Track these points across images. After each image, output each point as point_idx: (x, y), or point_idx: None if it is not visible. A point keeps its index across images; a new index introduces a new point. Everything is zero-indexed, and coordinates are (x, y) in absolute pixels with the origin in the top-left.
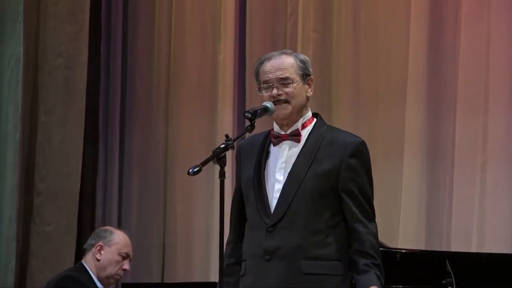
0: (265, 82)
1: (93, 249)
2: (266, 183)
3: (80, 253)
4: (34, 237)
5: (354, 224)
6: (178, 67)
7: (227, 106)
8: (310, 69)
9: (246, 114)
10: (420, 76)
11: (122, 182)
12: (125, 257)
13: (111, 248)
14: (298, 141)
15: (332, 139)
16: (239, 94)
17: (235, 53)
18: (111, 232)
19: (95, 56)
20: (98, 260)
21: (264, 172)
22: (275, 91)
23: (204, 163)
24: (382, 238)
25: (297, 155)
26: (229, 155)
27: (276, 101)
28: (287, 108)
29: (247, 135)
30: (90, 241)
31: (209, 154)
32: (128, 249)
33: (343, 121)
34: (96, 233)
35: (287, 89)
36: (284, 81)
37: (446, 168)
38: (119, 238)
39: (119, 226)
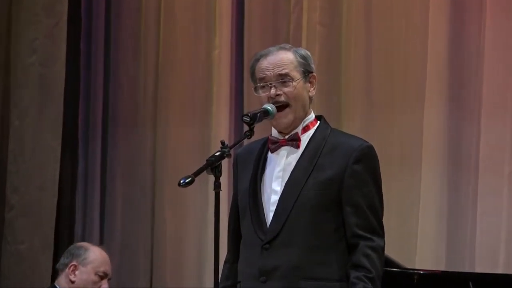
0: (262, 80)
1: (67, 270)
2: (262, 194)
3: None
4: (6, 256)
5: (355, 240)
6: (168, 65)
7: (222, 108)
8: (312, 65)
9: (245, 118)
10: (441, 75)
11: (104, 195)
12: (102, 276)
13: (86, 268)
14: (298, 146)
15: (335, 144)
16: (236, 95)
17: (232, 48)
18: (85, 249)
19: (74, 52)
20: (72, 282)
21: (260, 182)
22: (273, 90)
23: (197, 173)
24: (397, 257)
25: (296, 162)
26: (225, 164)
27: (275, 102)
28: (288, 117)
29: (246, 141)
30: (63, 260)
31: (202, 163)
32: (106, 268)
33: (354, 125)
34: (69, 251)
35: (286, 89)
36: (283, 79)
37: (469, 178)
38: (95, 256)
39: (102, 244)
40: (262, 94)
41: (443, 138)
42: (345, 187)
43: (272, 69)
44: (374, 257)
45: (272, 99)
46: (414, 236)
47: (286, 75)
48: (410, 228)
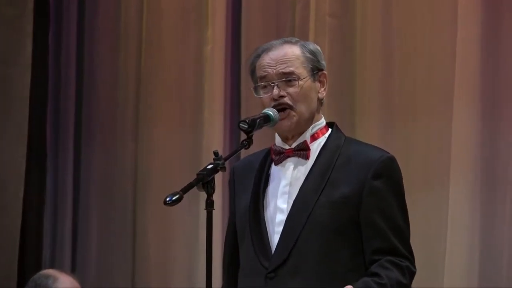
0: (263, 79)
1: None
2: (265, 213)
3: None
4: None
5: (375, 267)
6: (152, 62)
7: (216, 113)
8: (323, 62)
9: (242, 124)
10: (472, 75)
11: (77, 215)
12: None
13: None
14: (307, 157)
15: (351, 155)
16: (232, 98)
17: (227, 43)
18: (54, 279)
19: (41, 49)
20: None
21: (263, 200)
22: (276, 91)
23: (186, 189)
24: (423, 285)
25: (305, 176)
26: (219, 179)
27: (278, 104)
28: (291, 118)
29: (243, 152)
30: None
31: (192, 177)
32: None
33: (370, 133)
34: (34, 281)
35: (291, 89)
36: (287, 77)
37: (505, 195)
38: (64, 286)
39: (73, 272)
40: (263, 95)
41: (475, 149)
42: (364, 206)
43: (275, 66)
44: (394, 270)
45: (274, 101)
46: (441, 263)
47: (291, 73)
48: (437, 253)
